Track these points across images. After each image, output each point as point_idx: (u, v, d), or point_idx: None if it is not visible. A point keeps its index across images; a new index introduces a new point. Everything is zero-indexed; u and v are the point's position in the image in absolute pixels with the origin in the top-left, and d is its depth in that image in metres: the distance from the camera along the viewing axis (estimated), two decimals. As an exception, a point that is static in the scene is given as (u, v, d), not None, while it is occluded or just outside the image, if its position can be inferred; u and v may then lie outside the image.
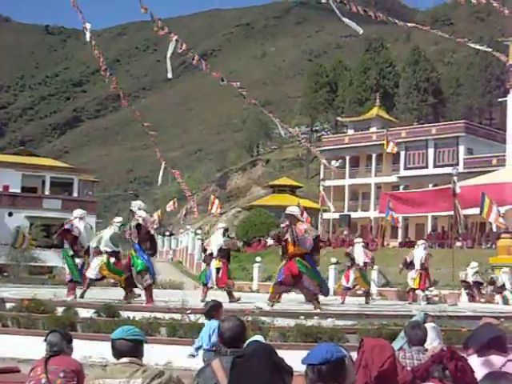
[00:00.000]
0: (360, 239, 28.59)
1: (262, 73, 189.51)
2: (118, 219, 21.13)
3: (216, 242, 21.92)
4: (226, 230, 22.93)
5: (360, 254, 26.03)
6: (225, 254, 21.90)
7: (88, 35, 13.33)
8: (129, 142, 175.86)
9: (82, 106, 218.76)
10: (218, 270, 21.45)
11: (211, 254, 21.81)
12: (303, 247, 17.79)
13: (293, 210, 18.93)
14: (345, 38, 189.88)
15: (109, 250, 20.43)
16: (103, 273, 20.48)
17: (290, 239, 17.82)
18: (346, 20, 11.01)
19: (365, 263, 26.01)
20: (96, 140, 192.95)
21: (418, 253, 27.05)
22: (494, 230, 54.79)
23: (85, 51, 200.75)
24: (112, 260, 20.37)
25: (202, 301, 18.33)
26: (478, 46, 14.66)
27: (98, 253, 20.48)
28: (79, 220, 20.43)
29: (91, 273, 20.32)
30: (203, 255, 23.02)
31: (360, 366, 6.60)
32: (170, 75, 14.28)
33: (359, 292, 28.22)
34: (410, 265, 27.10)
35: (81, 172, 67.30)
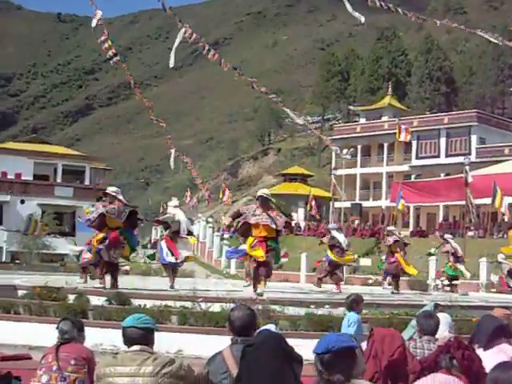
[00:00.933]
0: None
1: (273, 61, 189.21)
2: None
3: None
4: None
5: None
6: None
7: (95, 22, 13.33)
8: (140, 130, 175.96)
9: (94, 93, 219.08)
10: None
11: None
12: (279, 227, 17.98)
13: (266, 192, 18.92)
14: (357, 26, 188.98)
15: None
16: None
17: (264, 221, 17.86)
18: (348, 7, 10.96)
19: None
20: (108, 128, 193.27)
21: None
22: (506, 219, 54.68)
23: (97, 39, 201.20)
24: None
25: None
26: (487, 36, 14.57)
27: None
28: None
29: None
30: None
31: (370, 355, 6.62)
32: (171, 64, 14.28)
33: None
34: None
35: (92, 160, 67.38)
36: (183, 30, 12.26)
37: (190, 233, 20.88)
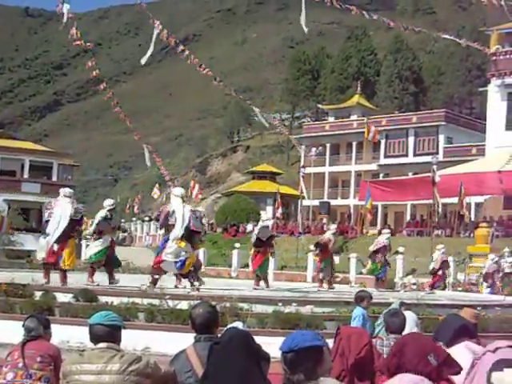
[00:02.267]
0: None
1: (243, 59, 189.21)
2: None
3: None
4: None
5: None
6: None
7: (65, 17, 13.25)
8: (109, 126, 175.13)
9: (62, 89, 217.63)
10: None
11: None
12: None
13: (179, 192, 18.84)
14: (327, 25, 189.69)
15: None
16: None
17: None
18: (303, 16, 10.99)
19: None
20: (76, 124, 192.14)
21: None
22: (473, 219, 55.15)
23: (66, 34, 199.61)
24: None
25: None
26: (453, 37, 14.76)
27: None
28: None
29: None
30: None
31: (337, 353, 6.64)
32: (143, 61, 14.23)
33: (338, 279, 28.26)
34: None
35: (60, 156, 67.00)
36: (157, 29, 12.20)
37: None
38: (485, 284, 30.57)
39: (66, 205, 18.55)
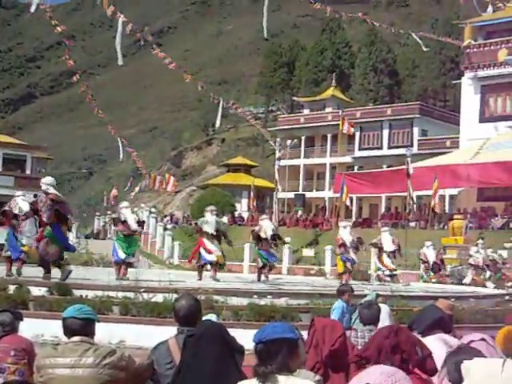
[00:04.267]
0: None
1: (218, 51, 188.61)
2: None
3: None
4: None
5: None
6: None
7: (34, 7, 13.10)
8: (83, 119, 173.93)
9: (35, 81, 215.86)
10: None
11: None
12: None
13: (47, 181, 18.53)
14: (302, 17, 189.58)
15: None
16: None
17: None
18: (264, 19, 10.99)
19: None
20: (50, 117, 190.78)
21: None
22: (447, 211, 55.50)
23: (39, 26, 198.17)
24: None
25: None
26: (422, 34, 14.83)
27: None
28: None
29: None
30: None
31: (311, 345, 6.66)
32: (120, 62, 14.10)
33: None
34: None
35: (34, 149, 66.59)
36: (121, 21, 12.10)
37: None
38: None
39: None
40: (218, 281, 20.76)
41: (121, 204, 21.87)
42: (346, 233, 26.33)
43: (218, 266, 21.91)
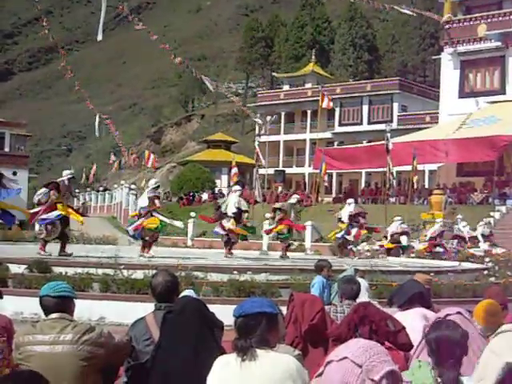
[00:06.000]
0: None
1: (197, 27, 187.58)
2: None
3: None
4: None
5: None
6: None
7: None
8: (62, 95, 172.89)
9: (13, 58, 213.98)
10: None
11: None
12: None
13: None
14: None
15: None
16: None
17: None
18: None
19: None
20: (28, 93, 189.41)
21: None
22: (427, 186, 55.73)
23: (17, 2, 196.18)
24: None
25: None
26: (405, 11, 14.84)
27: None
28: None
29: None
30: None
31: (290, 320, 6.68)
32: (99, 37, 14.05)
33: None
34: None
35: (13, 126, 66.23)
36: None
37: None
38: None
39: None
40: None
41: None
42: (348, 209, 26.85)
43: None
